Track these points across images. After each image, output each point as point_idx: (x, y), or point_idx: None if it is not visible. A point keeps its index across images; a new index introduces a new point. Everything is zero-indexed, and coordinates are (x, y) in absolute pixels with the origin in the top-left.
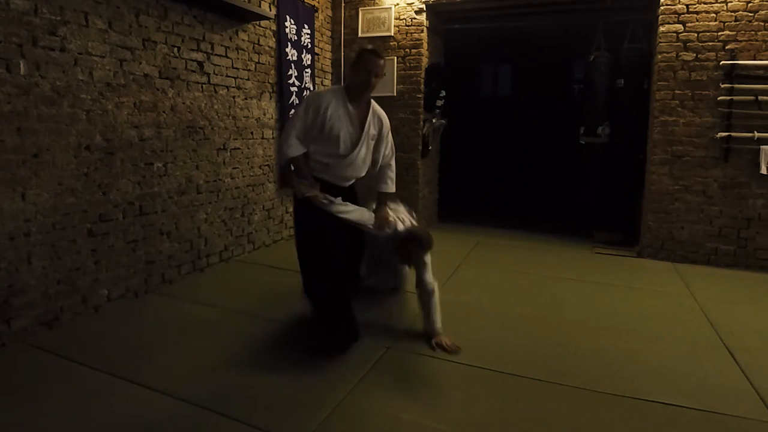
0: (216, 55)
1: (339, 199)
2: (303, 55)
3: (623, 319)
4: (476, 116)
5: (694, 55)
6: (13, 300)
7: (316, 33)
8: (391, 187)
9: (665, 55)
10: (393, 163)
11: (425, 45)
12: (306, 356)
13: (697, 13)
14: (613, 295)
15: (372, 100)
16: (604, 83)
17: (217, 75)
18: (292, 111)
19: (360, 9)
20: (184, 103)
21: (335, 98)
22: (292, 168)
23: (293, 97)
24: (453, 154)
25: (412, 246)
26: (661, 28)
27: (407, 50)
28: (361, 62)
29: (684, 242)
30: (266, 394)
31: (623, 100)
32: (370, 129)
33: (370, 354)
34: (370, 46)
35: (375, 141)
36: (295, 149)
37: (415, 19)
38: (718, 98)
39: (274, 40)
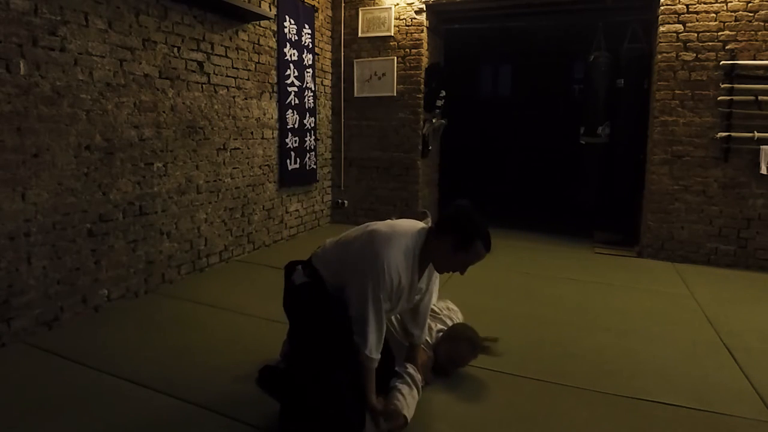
0: (216, 55)
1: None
2: (304, 55)
3: (623, 319)
4: (476, 116)
5: (694, 55)
6: (13, 300)
7: (316, 33)
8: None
9: (665, 55)
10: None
11: (425, 45)
12: None
13: (697, 13)
14: (613, 295)
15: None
16: (604, 83)
17: (217, 75)
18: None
19: (360, 9)
20: (184, 103)
21: (408, 268)
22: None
23: (293, 96)
24: (453, 154)
25: (462, 347)
26: (661, 28)
27: (407, 50)
28: (471, 253)
29: (684, 242)
30: (265, 395)
31: (623, 100)
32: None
33: None
34: (485, 232)
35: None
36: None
37: (415, 19)
38: (718, 98)
39: (274, 40)
